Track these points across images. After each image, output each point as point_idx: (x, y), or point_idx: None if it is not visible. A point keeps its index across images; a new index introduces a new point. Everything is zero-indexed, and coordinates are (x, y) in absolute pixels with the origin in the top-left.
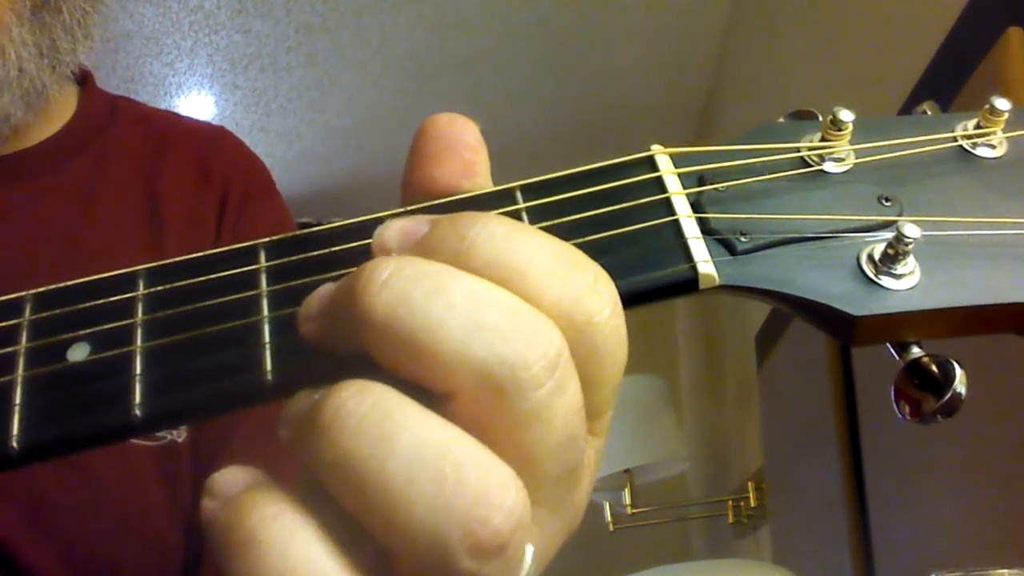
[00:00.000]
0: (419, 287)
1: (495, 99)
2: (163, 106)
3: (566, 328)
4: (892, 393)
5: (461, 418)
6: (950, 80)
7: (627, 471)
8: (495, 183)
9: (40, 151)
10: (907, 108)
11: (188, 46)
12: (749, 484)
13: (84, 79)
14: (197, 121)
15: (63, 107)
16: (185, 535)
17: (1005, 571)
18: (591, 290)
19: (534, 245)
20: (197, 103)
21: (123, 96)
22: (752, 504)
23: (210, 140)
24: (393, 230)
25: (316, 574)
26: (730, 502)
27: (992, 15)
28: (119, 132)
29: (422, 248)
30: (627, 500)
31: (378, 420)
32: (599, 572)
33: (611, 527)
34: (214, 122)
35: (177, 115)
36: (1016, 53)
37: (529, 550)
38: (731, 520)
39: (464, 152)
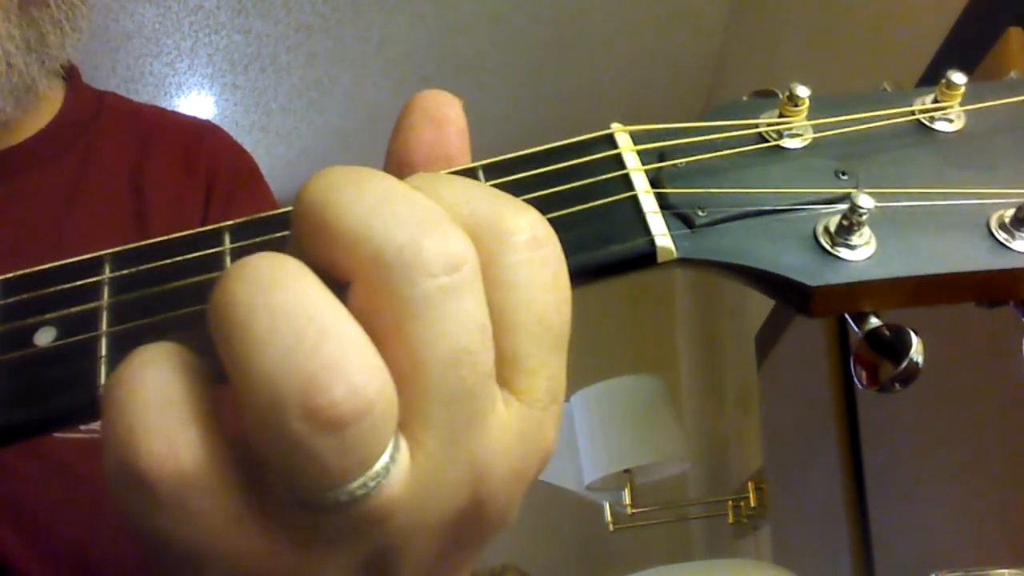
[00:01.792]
0: (344, 176)
1: (495, 99)
2: (163, 106)
3: (478, 241)
4: (851, 362)
5: (356, 304)
6: None
7: (627, 471)
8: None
9: (28, 147)
10: None
11: (188, 46)
12: (749, 484)
13: (70, 73)
14: (184, 116)
15: (50, 102)
16: None
17: (1005, 571)
18: (513, 213)
19: (471, 183)
20: (197, 103)
21: (109, 91)
22: (752, 504)
23: (196, 134)
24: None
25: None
26: (730, 502)
27: (992, 15)
28: (106, 127)
29: None
30: (627, 500)
31: (266, 275)
32: (599, 572)
33: (611, 527)
34: (214, 122)
35: (164, 110)
36: (1016, 53)
37: (387, 455)
38: (731, 520)
39: (441, 123)
